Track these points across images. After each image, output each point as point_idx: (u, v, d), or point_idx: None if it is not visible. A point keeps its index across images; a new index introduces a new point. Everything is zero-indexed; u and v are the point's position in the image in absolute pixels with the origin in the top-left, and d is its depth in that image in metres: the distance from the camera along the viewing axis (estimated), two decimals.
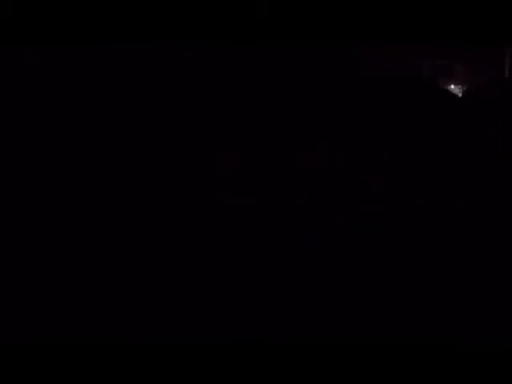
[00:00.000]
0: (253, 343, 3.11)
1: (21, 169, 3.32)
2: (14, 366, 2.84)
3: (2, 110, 3.36)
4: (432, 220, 3.81)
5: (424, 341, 3.01)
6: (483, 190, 4.41)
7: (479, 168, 4.22)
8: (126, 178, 3.22)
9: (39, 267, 3.24)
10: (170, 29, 3.11)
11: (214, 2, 3.16)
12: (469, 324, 3.07)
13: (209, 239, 3.37)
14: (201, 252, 3.88)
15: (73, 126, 3.30)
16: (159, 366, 3.02)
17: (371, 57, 3.33)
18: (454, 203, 3.69)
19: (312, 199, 3.56)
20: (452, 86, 3.49)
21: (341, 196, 3.52)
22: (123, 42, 3.32)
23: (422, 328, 3.13)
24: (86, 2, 3.22)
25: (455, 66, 3.64)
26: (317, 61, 3.61)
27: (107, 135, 3.23)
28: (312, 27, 3.08)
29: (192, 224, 3.31)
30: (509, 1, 3.09)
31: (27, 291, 3.13)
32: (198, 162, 3.34)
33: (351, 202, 3.43)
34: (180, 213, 3.33)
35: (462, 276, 3.35)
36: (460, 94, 3.48)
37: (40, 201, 3.27)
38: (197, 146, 3.38)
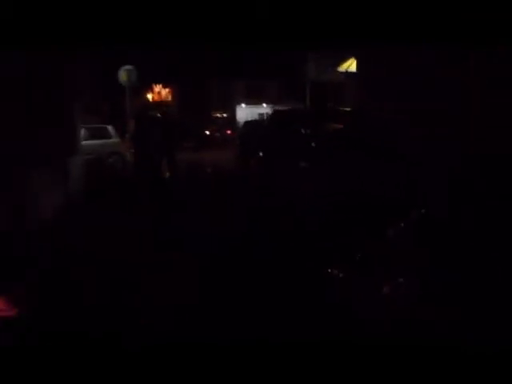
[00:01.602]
0: (253, 343, 3.10)
1: None
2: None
3: None
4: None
5: (424, 341, 3.06)
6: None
7: None
8: None
9: None
10: (170, 29, 3.00)
11: (214, 2, 3.06)
12: (469, 324, 3.14)
13: None
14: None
15: None
16: (159, 365, 2.96)
17: None
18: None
19: None
20: None
21: None
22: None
23: (423, 328, 3.17)
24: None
25: None
26: None
27: None
28: (312, 27, 3.02)
29: None
30: (509, 1, 3.12)
31: None
32: None
33: None
34: None
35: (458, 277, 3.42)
36: None
37: None
38: None
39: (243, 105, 46.78)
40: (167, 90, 43.63)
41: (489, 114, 8.14)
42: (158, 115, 11.52)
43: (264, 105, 44.70)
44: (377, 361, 2.78)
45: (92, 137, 15.62)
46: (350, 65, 17.66)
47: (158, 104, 37.70)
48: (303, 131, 10.34)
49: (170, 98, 43.48)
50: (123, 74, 15.38)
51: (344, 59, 18.54)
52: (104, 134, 16.54)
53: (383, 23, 2.98)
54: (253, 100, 45.74)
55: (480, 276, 3.35)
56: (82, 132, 12.91)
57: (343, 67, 18.49)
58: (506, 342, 2.80)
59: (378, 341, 2.96)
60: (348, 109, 13.32)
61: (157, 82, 41.60)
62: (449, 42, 3.34)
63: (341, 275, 4.23)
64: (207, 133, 33.55)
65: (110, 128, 16.97)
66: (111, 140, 16.58)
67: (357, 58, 16.11)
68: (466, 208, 4.18)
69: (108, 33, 3.06)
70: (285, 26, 2.94)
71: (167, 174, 11.31)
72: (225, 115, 45.54)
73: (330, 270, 4.34)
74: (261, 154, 11.52)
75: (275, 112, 15.61)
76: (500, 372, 2.65)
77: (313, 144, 9.61)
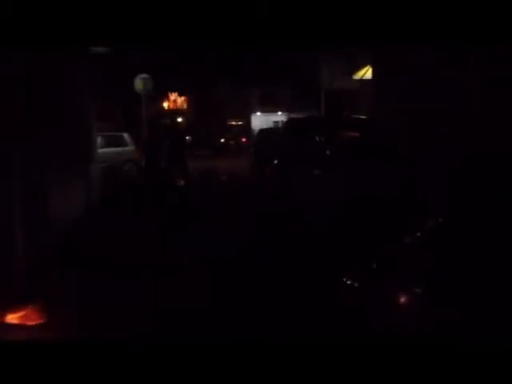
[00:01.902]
0: (253, 343, 3.12)
1: None
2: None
3: None
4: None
5: (424, 341, 3.06)
6: None
7: None
8: None
9: None
10: (170, 29, 3.04)
11: (214, 2, 3.09)
12: (469, 324, 3.13)
13: None
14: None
15: None
16: (159, 365, 2.99)
17: None
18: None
19: None
20: None
21: None
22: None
23: (423, 328, 3.17)
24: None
25: None
26: None
27: None
28: (312, 27, 3.04)
29: None
30: (509, 1, 3.11)
31: None
32: None
33: None
34: None
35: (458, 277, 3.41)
36: None
37: None
38: None
39: (258, 113, 46.88)
40: (183, 98, 43.91)
41: (489, 114, 8.09)
42: (169, 123, 11.64)
43: (279, 113, 44.76)
44: (376, 361, 2.77)
45: (108, 145, 15.76)
46: (366, 73, 17.60)
47: (172, 112, 37.95)
48: (318, 139, 10.32)
49: (185, 106, 43.75)
50: (139, 83, 15.51)
51: (359, 67, 18.50)
52: (120, 142, 16.69)
53: (383, 23, 2.98)
54: (268, 108, 45.83)
55: (480, 276, 3.32)
56: (99, 140, 13.03)
57: (358, 75, 18.45)
58: (506, 342, 2.78)
59: (378, 342, 2.95)
60: (363, 117, 13.28)
61: (172, 90, 41.91)
62: (449, 41, 3.32)
63: (356, 282, 4.23)
64: (222, 140, 33.64)
65: (126, 136, 17.12)
66: (127, 148, 16.71)
67: (372, 66, 16.07)
68: (465, 208, 4.16)
69: (108, 32, 3.09)
70: (285, 26, 2.95)
71: (181, 182, 11.36)
72: (240, 123, 45.67)
73: (345, 277, 4.34)
74: (276, 161, 11.52)
75: (290, 120, 15.60)
76: (500, 372, 2.63)
77: (328, 152, 9.58)
